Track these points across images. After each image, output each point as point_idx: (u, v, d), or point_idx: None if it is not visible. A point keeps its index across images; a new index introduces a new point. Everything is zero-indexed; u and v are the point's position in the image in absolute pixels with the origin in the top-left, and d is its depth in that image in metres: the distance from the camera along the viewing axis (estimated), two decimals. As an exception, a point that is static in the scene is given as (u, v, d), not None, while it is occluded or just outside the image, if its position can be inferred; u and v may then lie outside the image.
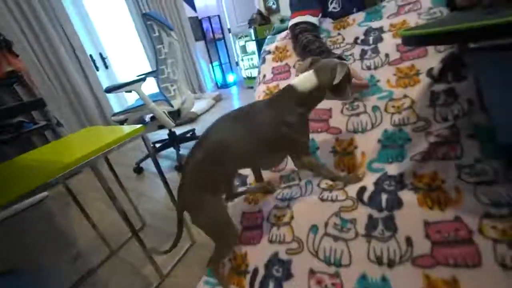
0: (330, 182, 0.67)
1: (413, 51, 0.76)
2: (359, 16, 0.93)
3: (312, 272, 0.59)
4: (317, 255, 0.59)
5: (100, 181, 0.75)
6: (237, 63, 4.67)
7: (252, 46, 3.81)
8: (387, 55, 0.79)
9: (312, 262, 0.59)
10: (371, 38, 0.85)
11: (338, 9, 0.98)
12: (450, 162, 0.58)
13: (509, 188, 0.50)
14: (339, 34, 0.95)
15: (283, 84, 0.93)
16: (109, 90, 1.60)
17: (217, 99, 3.61)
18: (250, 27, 3.75)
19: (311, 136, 0.75)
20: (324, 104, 0.79)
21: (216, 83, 4.50)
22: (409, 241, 0.51)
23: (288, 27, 1.02)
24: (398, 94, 0.71)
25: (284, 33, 1.11)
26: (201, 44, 4.18)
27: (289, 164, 0.79)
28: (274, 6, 3.74)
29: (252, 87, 3.85)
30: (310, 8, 0.97)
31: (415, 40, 0.46)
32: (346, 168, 0.69)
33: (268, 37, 1.18)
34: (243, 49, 3.99)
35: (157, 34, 1.70)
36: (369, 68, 0.80)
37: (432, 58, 0.72)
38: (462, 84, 0.65)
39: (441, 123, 0.64)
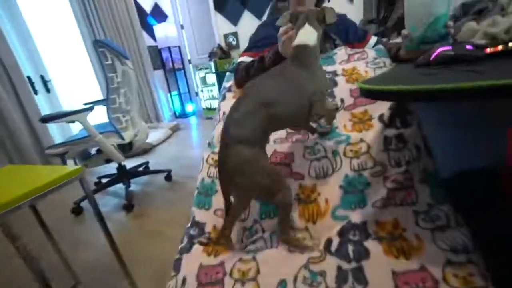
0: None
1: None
2: None
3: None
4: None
5: (9, 237, 0.60)
6: (196, 93, 4.66)
7: (212, 78, 3.87)
8: (342, 100, 0.83)
9: None
10: None
11: None
12: (408, 208, 0.60)
13: (462, 232, 0.53)
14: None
15: None
16: (46, 119, 1.40)
17: (175, 129, 3.48)
18: (210, 59, 3.83)
19: None
20: (286, 148, 0.79)
21: (174, 113, 4.38)
22: None
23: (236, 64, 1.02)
24: (354, 138, 0.74)
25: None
26: (159, 73, 4.10)
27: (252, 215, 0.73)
28: (234, 42, 3.92)
29: (211, 118, 3.83)
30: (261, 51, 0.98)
31: (375, 95, 0.47)
32: (311, 217, 0.67)
33: (228, 73, 1.19)
34: (203, 80, 4.02)
35: (110, 62, 1.60)
36: None
37: (382, 104, 0.78)
38: (409, 130, 0.71)
39: (395, 168, 0.67)
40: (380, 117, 0.76)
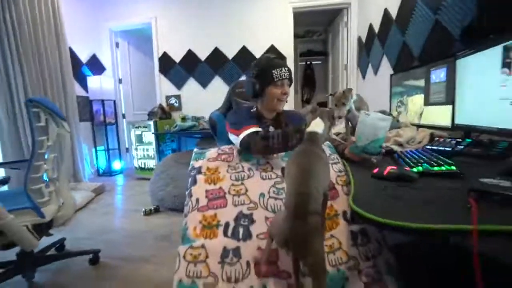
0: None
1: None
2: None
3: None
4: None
5: None
6: (127, 150, 4.27)
7: (149, 136, 3.67)
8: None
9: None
10: None
11: None
12: None
13: None
14: (267, 162, 1.08)
15: (220, 212, 0.89)
16: None
17: (98, 191, 2.99)
18: (150, 119, 3.69)
19: (263, 282, 0.74)
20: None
21: (98, 170, 3.82)
22: None
23: (240, 141, 1.08)
24: (326, 235, 0.83)
25: (214, 152, 1.14)
26: (86, 126, 3.66)
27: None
28: (176, 104, 3.97)
29: (144, 179, 3.49)
30: (253, 124, 1.11)
31: (364, 219, 0.57)
32: None
33: (196, 151, 1.18)
34: (139, 138, 3.77)
35: (43, 124, 1.37)
36: None
37: (343, 199, 0.92)
38: (369, 227, 0.84)
39: (365, 262, 0.77)
40: (344, 214, 0.89)
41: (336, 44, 4.09)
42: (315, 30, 5.04)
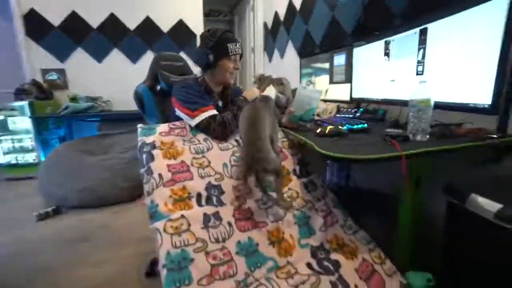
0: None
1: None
2: None
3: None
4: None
5: None
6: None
7: (23, 123, 2.81)
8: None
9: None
10: None
11: None
12: (336, 225, 0.93)
13: (364, 232, 0.92)
14: None
15: (189, 185, 0.89)
16: None
17: None
18: (20, 99, 2.80)
19: (247, 235, 0.81)
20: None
21: None
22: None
23: (197, 124, 1.07)
24: (285, 189, 0.99)
25: (165, 126, 1.08)
26: None
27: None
28: (59, 81, 3.16)
29: (15, 179, 2.68)
30: (210, 104, 1.12)
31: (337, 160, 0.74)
32: (287, 252, 0.82)
33: (142, 126, 1.06)
34: (2, 125, 2.81)
35: None
36: None
37: (291, 161, 1.10)
38: (313, 177, 1.07)
39: (318, 202, 0.99)
40: (294, 171, 1.08)
41: (243, 27, 4.26)
42: (220, 10, 5.02)
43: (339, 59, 1.71)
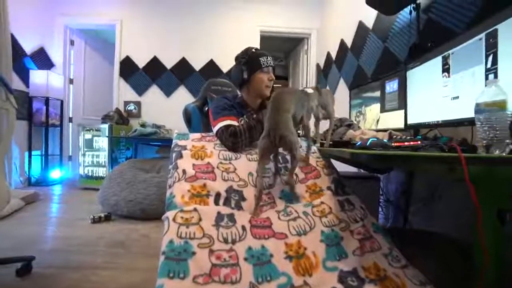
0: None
1: (310, 173, 1.00)
2: None
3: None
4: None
5: None
6: (70, 158, 3.77)
7: (101, 142, 3.33)
8: (297, 175, 0.97)
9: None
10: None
11: None
12: (377, 253, 0.74)
13: (415, 269, 0.69)
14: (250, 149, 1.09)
15: (210, 184, 0.86)
16: None
17: (30, 199, 2.52)
18: (104, 122, 3.38)
19: (261, 242, 0.71)
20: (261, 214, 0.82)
21: (29, 178, 3.25)
22: None
23: (215, 132, 1.09)
24: (316, 202, 0.87)
25: (197, 135, 1.12)
26: (21, 125, 3.15)
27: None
28: (135, 111, 3.74)
29: (91, 189, 3.07)
30: (233, 115, 1.14)
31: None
32: (305, 270, 0.67)
33: (177, 133, 1.13)
34: (89, 143, 3.38)
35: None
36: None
37: (325, 178, 0.98)
38: (352, 196, 0.92)
39: (354, 224, 0.82)
40: (328, 188, 0.95)
41: (296, 70, 4.48)
42: (277, 55, 5.46)
43: (391, 85, 1.59)
